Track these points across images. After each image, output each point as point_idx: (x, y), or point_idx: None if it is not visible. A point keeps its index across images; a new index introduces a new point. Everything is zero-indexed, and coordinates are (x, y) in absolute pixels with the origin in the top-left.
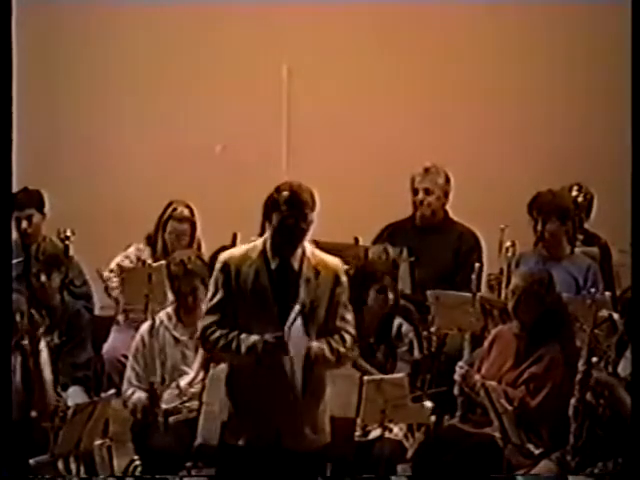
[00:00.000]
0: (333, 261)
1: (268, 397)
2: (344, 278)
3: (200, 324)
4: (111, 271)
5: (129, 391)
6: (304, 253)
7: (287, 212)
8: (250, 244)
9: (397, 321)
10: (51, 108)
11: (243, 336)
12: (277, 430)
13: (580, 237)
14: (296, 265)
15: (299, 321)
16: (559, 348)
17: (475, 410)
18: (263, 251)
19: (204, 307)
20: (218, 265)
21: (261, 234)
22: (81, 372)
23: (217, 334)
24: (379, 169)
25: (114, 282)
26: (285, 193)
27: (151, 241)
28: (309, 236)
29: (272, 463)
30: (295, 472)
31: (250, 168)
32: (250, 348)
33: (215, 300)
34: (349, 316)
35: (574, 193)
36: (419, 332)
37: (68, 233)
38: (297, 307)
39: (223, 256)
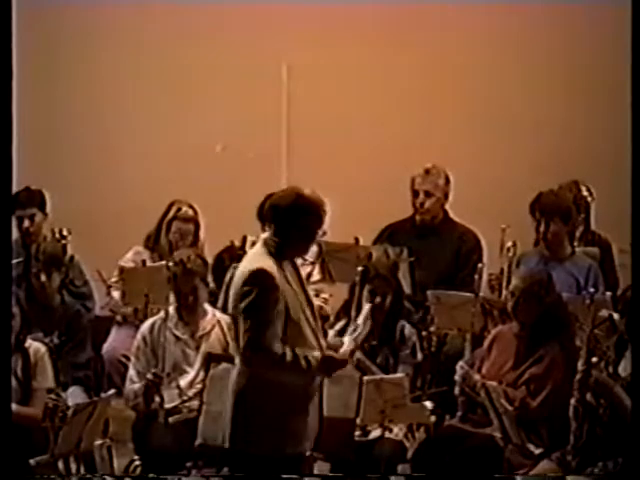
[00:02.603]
0: None
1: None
2: None
3: (262, 341)
4: (113, 284)
5: (129, 387)
6: None
7: (311, 215)
8: (265, 254)
9: (400, 324)
10: (52, 108)
11: (313, 353)
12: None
13: (585, 236)
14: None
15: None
16: (559, 348)
17: (475, 410)
18: (290, 259)
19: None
20: (263, 280)
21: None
22: (81, 372)
23: (282, 350)
24: (379, 169)
25: (117, 295)
26: (307, 193)
27: (149, 243)
28: None
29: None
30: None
31: (250, 168)
32: (312, 364)
33: (270, 315)
34: None
35: (584, 193)
36: (420, 334)
37: (65, 232)
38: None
39: (263, 271)
